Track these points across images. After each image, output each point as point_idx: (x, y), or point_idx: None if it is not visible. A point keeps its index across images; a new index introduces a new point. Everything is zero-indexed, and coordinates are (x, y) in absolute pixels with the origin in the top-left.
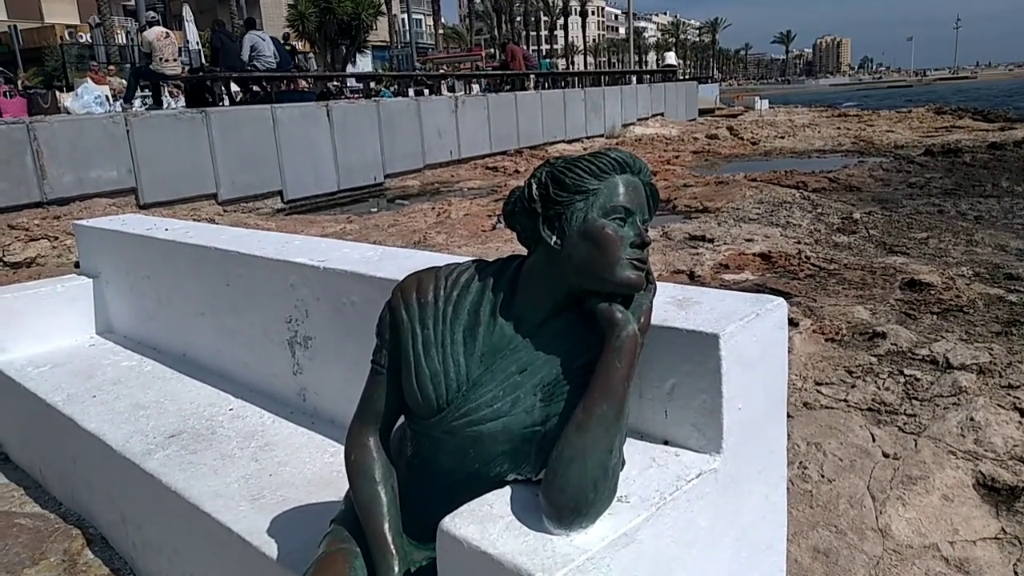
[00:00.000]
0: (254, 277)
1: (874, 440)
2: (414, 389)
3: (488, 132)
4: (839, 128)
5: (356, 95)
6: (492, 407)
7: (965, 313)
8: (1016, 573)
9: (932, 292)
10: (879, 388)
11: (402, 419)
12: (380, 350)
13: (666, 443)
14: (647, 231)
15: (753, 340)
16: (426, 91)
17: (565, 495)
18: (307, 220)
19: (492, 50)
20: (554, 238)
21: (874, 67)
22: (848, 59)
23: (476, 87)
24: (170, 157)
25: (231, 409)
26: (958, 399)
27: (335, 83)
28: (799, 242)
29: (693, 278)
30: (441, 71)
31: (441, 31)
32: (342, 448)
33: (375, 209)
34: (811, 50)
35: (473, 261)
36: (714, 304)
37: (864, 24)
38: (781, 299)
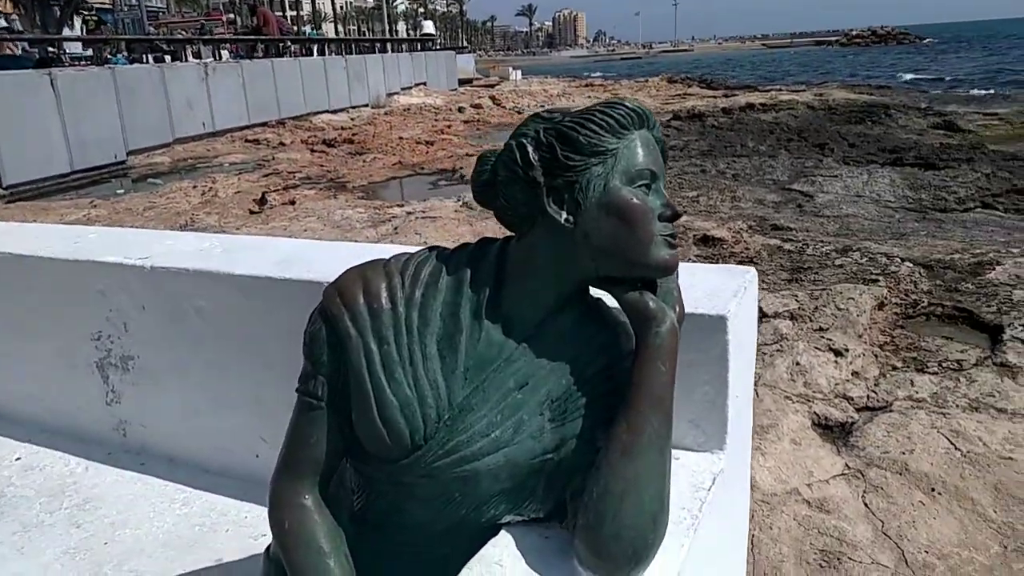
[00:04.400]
0: (40, 286)
1: None
2: (377, 426)
3: (245, 102)
4: (590, 97)
5: (80, 62)
6: (489, 436)
7: (756, 264)
8: (865, 503)
9: (725, 246)
10: None
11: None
12: (313, 377)
13: None
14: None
15: (746, 318)
16: (167, 58)
17: (622, 541)
18: (38, 208)
19: (232, 15)
20: (564, 214)
21: (608, 40)
22: (584, 32)
23: (225, 53)
24: None
25: (18, 459)
26: (781, 346)
27: (52, 48)
28: None
29: None
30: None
31: None
32: (194, 493)
33: (121, 191)
34: (551, 23)
35: (430, 249)
36: (692, 280)
37: (596, 0)
38: (751, 268)
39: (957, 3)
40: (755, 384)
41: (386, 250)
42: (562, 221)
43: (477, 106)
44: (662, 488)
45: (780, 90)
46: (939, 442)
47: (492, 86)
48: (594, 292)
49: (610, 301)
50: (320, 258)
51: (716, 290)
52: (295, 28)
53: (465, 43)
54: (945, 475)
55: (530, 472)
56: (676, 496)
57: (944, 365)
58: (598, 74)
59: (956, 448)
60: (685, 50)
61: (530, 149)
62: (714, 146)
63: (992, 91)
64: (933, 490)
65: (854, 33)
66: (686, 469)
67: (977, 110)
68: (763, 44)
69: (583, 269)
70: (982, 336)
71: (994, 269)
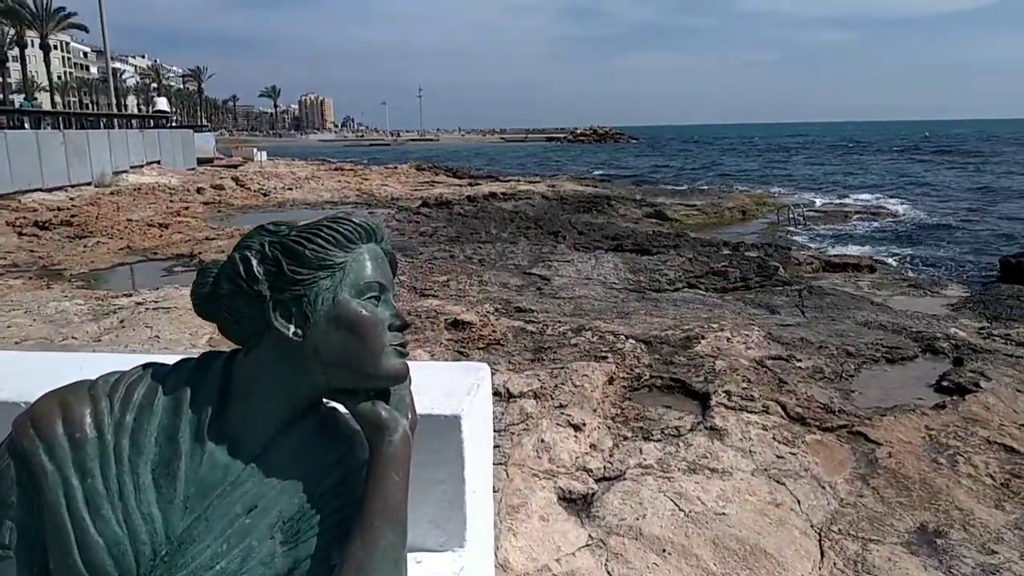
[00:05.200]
0: None
1: None
2: (79, 570)
3: None
4: (340, 181)
5: None
6: (214, 568)
7: (503, 345)
8: (608, 572)
9: (474, 329)
10: None
11: None
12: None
13: None
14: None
15: (480, 414)
16: None
17: None
18: None
19: None
20: (292, 328)
21: (355, 126)
22: (332, 117)
23: None
24: None
25: None
26: (527, 424)
27: None
28: None
29: None
30: None
31: None
32: None
33: None
34: (297, 106)
35: (144, 366)
36: (429, 379)
37: (344, 85)
38: (484, 364)
39: (663, 110)
40: (505, 464)
41: (100, 365)
42: (290, 335)
43: (218, 187)
44: None
45: (519, 180)
46: (665, 505)
47: (235, 166)
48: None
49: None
50: (16, 372)
51: (451, 389)
52: (1, 97)
53: (205, 122)
54: (673, 535)
55: None
56: None
57: (666, 432)
58: (349, 158)
59: (680, 509)
60: (431, 139)
61: (254, 263)
62: (461, 232)
63: (684, 186)
64: (664, 551)
65: (579, 131)
66: (428, 571)
67: (681, 201)
68: (502, 137)
69: (314, 383)
70: (694, 403)
71: (700, 342)
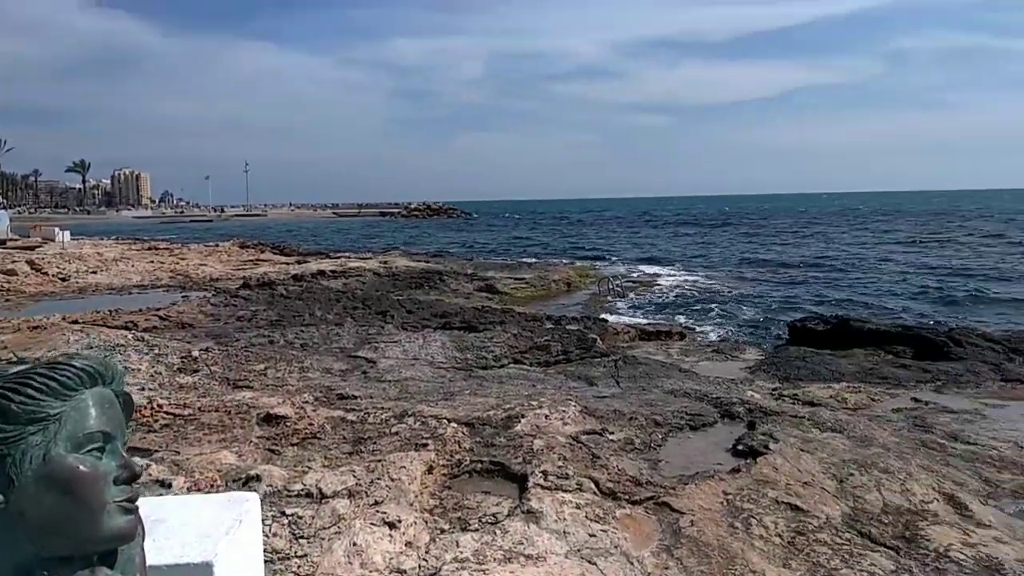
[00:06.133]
0: None
1: None
2: None
3: None
4: (152, 262)
5: None
6: None
7: (319, 439)
8: None
9: (288, 423)
10: (267, 535)
11: None
12: None
13: None
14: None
15: (244, 555)
16: None
17: None
18: None
19: None
20: None
21: (175, 201)
22: (149, 192)
23: None
24: None
25: None
26: (339, 527)
27: None
28: (143, 389)
29: None
30: None
31: None
32: None
33: None
34: (110, 181)
35: None
36: (185, 517)
37: (163, 160)
38: (253, 494)
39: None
40: (299, 574)
41: None
42: None
43: (9, 272)
44: None
45: (349, 257)
46: None
47: (32, 248)
48: None
49: None
50: None
51: (208, 528)
52: None
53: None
54: None
55: None
56: None
57: (483, 520)
58: (165, 236)
59: None
60: (258, 214)
61: None
62: (283, 315)
63: (522, 260)
64: None
65: (412, 206)
66: None
67: (510, 275)
68: (334, 212)
69: (20, 553)
70: (513, 486)
71: (520, 421)
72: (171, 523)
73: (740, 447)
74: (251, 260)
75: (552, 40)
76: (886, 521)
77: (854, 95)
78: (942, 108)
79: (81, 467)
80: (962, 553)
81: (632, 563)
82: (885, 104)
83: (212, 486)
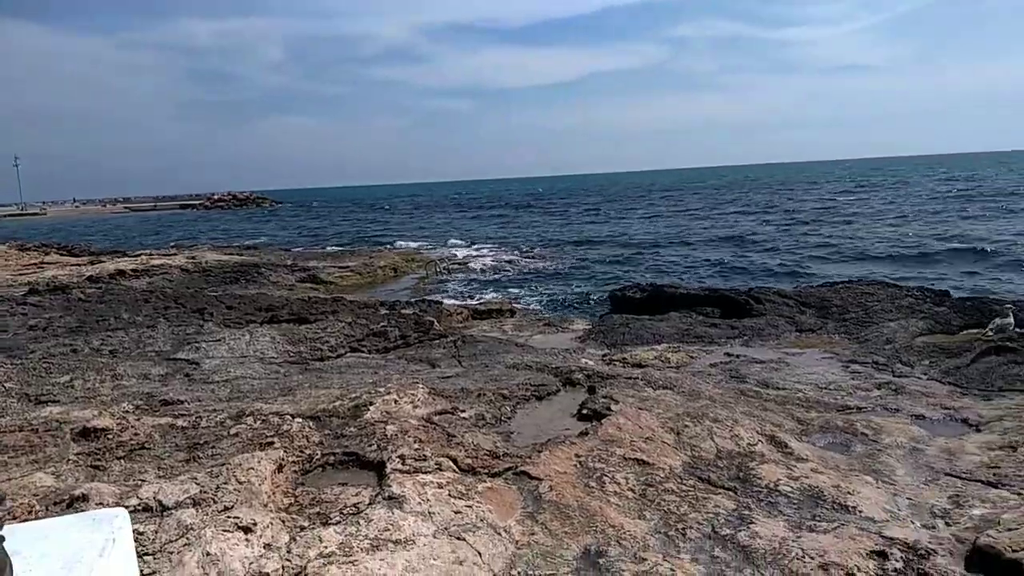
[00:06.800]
0: None
1: None
2: None
3: None
4: None
5: None
6: None
7: (148, 449)
8: None
9: (111, 436)
10: None
11: None
12: None
13: None
14: None
15: (120, 573)
16: None
17: None
18: None
19: None
20: None
21: None
22: None
23: None
24: None
25: None
26: (188, 538)
27: None
28: None
29: None
30: None
31: None
32: None
33: None
34: None
35: None
36: (38, 545)
37: None
38: (122, 509)
39: (307, 173)
40: None
41: None
42: None
43: None
44: None
45: (151, 255)
46: None
47: None
48: None
49: None
50: None
51: (75, 554)
52: None
53: None
54: None
55: None
56: None
57: (345, 512)
58: None
59: None
60: (36, 214)
61: None
62: (84, 321)
63: (342, 248)
64: None
65: (216, 197)
66: None
67: (333, 264)
68: (127, 207)
69: None
70: (371, 474)
71: (368, 409)
72: (25, 556)
73: (585, 411)
74: (34, 264)
75: (356, 23)
76: (722, 465)
77: (644, 79)
78: (717, 90)
79: None
80: (788, 486)
81: (500, 533)
82: (671, 87)
83: (30, 512)
